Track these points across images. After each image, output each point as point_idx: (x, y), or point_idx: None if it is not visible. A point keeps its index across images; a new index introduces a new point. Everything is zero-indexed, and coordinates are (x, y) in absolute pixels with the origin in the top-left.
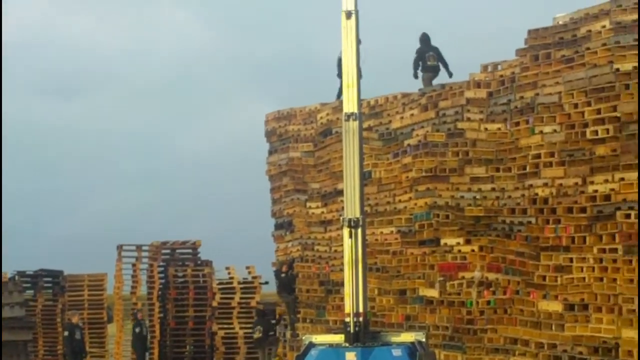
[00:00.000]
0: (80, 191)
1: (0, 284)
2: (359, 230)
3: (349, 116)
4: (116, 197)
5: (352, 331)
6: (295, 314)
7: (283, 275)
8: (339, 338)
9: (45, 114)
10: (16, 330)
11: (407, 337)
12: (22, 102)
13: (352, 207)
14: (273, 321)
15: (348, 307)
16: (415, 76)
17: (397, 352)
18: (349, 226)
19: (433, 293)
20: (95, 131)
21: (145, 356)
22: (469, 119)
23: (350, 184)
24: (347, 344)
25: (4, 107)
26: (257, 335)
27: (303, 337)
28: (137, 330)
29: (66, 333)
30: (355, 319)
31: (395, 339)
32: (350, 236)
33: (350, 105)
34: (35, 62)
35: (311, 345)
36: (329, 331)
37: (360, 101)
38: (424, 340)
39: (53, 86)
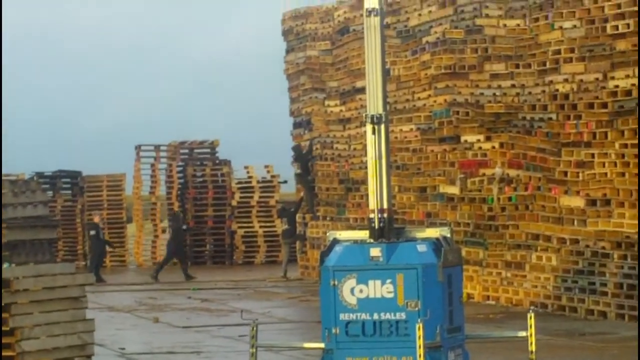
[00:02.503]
0: (98, 94)
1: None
2: (382, 126)
3: (370, 12)
4: (135, 98)
5: (376, 227)
6: (313, 197)
7: (304, 152)
8: (363, 234)
9: (71, 13)
10: (40, 229)
11: (432, 232)
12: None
13: (374, 103)
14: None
15: (372, 203)
16: None
17: (422, 248)
18: (372, 122)
19: (454, 190)
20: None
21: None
22: (487, 16)
23: (373, 80)
24: (371, 240)
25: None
26: (283, 227)
27: (327, 234)
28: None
29: (93, 232)
30: (379, 215)
31: (420, 234)
32: (374, 132)
33: (371, 0)
34: None
35: (335, 241)
36: (350, 228)
37: None
38: (448, 235)
39: None
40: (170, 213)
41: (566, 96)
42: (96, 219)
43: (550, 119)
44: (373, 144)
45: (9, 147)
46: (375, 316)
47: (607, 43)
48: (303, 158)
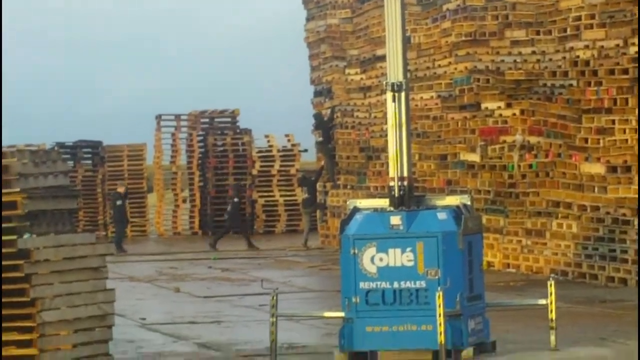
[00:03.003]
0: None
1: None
2: (402, 94)
3: None
4: (155, 73)
5: (396, 195)
6: (334, 165)
7: (326, 119)
8: (383, 202)
9: None
10: (61, 199)
11: (452, 200)
12: None
13: (395, 71)
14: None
15: (392, 171)
16: None
17: (442, 216)
18: (393, 90)
19: (474, 157)
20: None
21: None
22: None
23: (393, 48)
24: (391, 208)
25: None
26: (303, 196)
27: (347, 202)
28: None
29: (119, 202)
30: (399, 183)
31: (440, 202)
32: (394, 100)
33: None
34: None
35: (356, 209)
36: (371, 197)
37: None
38: (468, 203)
39: None
40: (234, 185)
41: (587, 63)
42: (121, 189)
43: (571, 85)
44: (393, 111)
45: (29, 117)
46: (395, 285)
47: (627, 9)
48: (324, 126)
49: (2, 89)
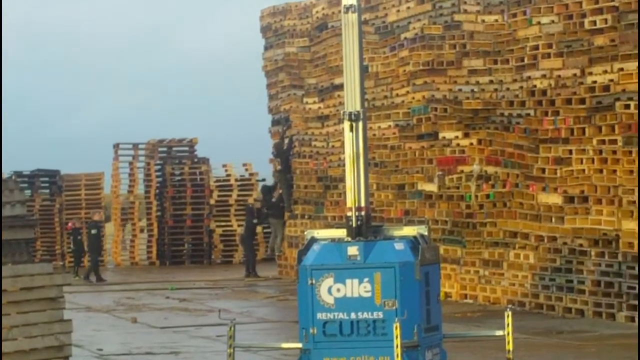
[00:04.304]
0: (78, 93)
1: (0, 184)
2: (360, 124)
3: (347, 8)
4: (113, 98)
5: (354, 225)
6: (292, 194)
7: (285, 148)
8: (340, 232)
9: (47, 13)
10: (18, 229)
11: (409, 230)
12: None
13: (352, 100)
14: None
15: (350, 201)
16: None
17: (399, 246)
18: (350, 119)
19: (432, 187)
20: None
21: None
22: (465, 11)
23: (350, 77)
24: (349, 238)
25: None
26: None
27: (305, 232)
28: None
29: (94, 231)
30: (357, 213)
31: (398, 232)
32: (351, 130)
33: None
34: None
35: (313, 240)
36: (328, 226)
37: None
38: (426, 233)
39: None
40: (248, 207)
41: (544, 92)
42: (96, 217)
43: (528, 115)
44: (351, 141)
45: None
46: (353, 315)
47: (585, 38)
48: (284, 155)
49: None
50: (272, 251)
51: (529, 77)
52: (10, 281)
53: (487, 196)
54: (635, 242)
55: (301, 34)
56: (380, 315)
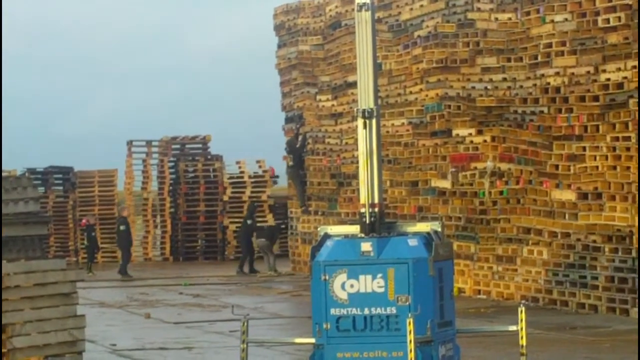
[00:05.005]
0: (89, 90)
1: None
2: (374, 121)
3: (361, 6)
4: (126, 95)
5: (367, 222)
6: (305, 190)
7: (298, 146)
8: (354, 229)
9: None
10: (31, 225)
11: (423, 227)
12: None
13: (366, 98)
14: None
15: (363, 197)
16: None
17: (412, 242)
18: (363, 117)
19: (445, 184)
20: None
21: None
22: (479, 9)
23: (364, 75)
24: (362, 235)
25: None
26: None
27: (318, 228)
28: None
29: (123, 227)
30: (370, 210)
31: (411, 229)
32: (365, 127)
33: None
34: None
35: (326, 236)
36: (342, 223)
37: None
38: (439, 230)
39: None
40: (249, 205)
41: (557, 89)
42: (125, 213)
43: (542, 112)
44: (364, 138)
45: None
46: (366, 311)
47: (598, 36)
48: (296, 151)
49: None
50: (274, 271)
51: (543, 75)
52: (23, 277)
53: (501, 193)
54: None
55: (314, 32)
56: (394, 310)
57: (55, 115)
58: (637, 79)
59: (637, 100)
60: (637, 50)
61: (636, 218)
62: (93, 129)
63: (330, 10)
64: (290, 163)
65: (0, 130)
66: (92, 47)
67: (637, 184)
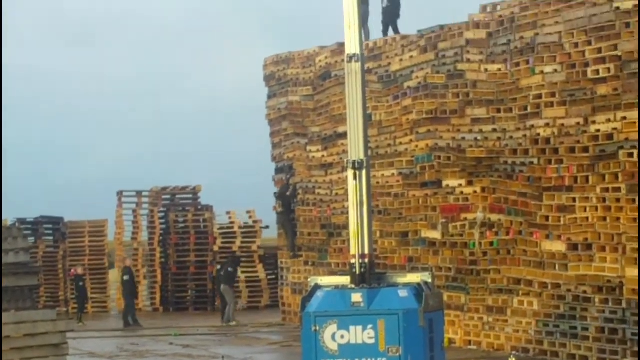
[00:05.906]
0: (80, 140)
1: (0, 230)
2: (364, 172)
3: (351, 57)
4: (117, 145)
5: (358, 272)
6: (294, 236)
7: (288, 194)
8: (344, 279)
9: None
10: (21, 276)
11: (413, 278)
12: (24, 49)
13: (356, 149)
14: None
15: (353, 248)
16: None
17: (403, 293)
18: (354, 168)
19: (435, 235)
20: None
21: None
22: (468, 60)
23: (354, 126)
24: (353, 286)
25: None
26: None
27: (308, 279)
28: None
29: (127, 277)
30: (360, 260)
31: (401, 280)
32: (355, 178)
33: (352, 46)
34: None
35: (317, 286)
36: (332, 273)
37: (362, 42)
38: (429, 280)
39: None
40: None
41: (547, 140)
42: (127, 262)
43: (532, 163)
44: (354, 189)
45: None
46: None
47: (588, 87)
48: (286, 198)
49: None
50: (227, 321)
51: (532, 126)
52: (13, 327)
53: (491, 243)
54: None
55: (304, 83)
56: None
57: (46, 164)
58: (626, 130)
59: (627, 151)
60: (626, 102)
61: (626, 269)
62: (83, 178)
63: (320, 60)
64: (280, 209)
65: (0, 183)
66: (80, 95)
67: (627, 235)
